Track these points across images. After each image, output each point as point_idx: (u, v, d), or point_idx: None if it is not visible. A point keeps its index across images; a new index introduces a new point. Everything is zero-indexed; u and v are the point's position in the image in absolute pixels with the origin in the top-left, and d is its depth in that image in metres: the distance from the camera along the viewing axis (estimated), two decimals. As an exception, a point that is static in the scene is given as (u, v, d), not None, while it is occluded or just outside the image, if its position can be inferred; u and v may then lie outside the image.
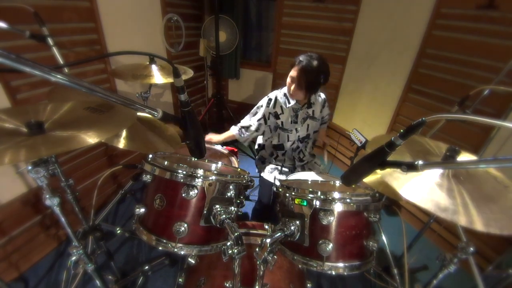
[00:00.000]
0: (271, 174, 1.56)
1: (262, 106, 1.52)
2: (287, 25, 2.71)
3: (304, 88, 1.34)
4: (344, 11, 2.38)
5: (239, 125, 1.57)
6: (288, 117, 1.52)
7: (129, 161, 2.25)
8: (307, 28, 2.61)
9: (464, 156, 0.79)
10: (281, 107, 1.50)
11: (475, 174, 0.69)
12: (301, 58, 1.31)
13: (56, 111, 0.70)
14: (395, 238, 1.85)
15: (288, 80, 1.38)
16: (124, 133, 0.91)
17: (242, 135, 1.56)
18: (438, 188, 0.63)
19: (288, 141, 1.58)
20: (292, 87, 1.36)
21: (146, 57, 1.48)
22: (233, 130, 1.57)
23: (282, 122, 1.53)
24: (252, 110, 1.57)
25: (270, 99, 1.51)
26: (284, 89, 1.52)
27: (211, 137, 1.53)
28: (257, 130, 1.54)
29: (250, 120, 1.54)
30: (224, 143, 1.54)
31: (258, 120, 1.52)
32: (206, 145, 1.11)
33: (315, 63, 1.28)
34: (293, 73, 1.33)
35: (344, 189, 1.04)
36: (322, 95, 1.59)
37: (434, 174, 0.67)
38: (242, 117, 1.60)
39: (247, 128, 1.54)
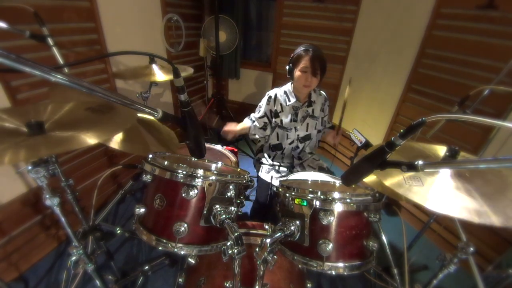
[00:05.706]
0: (268, 174, 1.56)
1: (263, 104, 1.53)
2: (287, 25, 2.71)
3: (319, 73, 1.36)
4: (344, 11, 2.38)
5: (250, 118, 1.59)
6: (288, 115, 1.52)
7: (129, 161, 2.25)
8: (307, 28, 2.61)
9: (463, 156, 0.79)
10: (281, 105, 1.50)
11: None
12: (303, 48, 1.35)
13: (56, 112, 0.70)
14: (395, 238, 1.87)
15: (298, 73, 1.37)
16: (122, 136, 0.91)
17: (254, 129, 1.57)
18: (456, 191, 0.62)
19: (287, 139, 1.58)
20: (308, 77, 1.36)
21: (146, 57, 1.47)
22: (247, 122, 1.58)
23: (281, 121, 1.53)
24: (256, 109, 1.58)
25: (270, 97, 1.51)
26: (285, 87, 1.52)
27: (230, 128, 1.52)
28: (263, 128, 1.55)
29: (256, 119, 1.56)
30: (224, 143, 1.53)
31: (261, 117, 1.53)
32: (206, 145, 1.11)
33: (316, 48, 1.36)
34: (304, 63, 1.34)
35: (344, 189, 1.04)
36: (323, 93, 1.58)
37: (443, 179, 0.67)
38: (242, 117, 1.59)
39: (256, 120, 1.56)
